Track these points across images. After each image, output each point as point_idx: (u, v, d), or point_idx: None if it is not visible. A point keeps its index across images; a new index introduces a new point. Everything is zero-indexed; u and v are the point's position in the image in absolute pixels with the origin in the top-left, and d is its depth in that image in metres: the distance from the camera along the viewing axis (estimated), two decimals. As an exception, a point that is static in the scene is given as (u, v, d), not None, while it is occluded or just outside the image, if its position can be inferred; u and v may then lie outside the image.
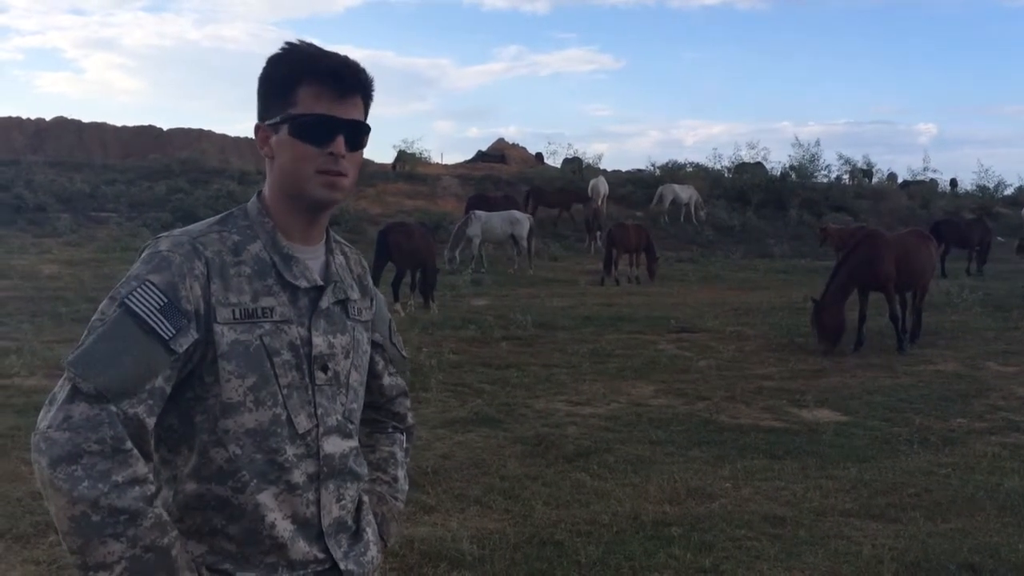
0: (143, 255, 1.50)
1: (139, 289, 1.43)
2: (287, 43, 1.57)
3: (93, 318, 1.45)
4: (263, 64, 1.57)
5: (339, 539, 1.60)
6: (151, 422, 1.41)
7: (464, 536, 4.44)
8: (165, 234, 1.55)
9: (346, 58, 1.56)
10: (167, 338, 1.41)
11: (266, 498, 1.50)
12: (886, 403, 7.80)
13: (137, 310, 1.41)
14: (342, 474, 1.61)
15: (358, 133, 1.57)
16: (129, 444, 1.36)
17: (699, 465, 5.91)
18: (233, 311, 1.48)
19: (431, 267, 13.38)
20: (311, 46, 1.56)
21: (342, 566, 1.58)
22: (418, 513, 4.84)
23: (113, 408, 1.36)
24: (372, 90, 1.61)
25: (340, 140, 1.53)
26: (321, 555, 1.56)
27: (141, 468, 1.37)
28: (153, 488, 1.39)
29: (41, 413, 1.39)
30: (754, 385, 8.49)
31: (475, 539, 4.43)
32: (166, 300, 1.43)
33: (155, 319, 1.41)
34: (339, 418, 1.60)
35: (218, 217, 1.60)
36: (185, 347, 1.43)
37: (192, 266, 1.47)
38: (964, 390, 8.37)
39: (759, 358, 9.97)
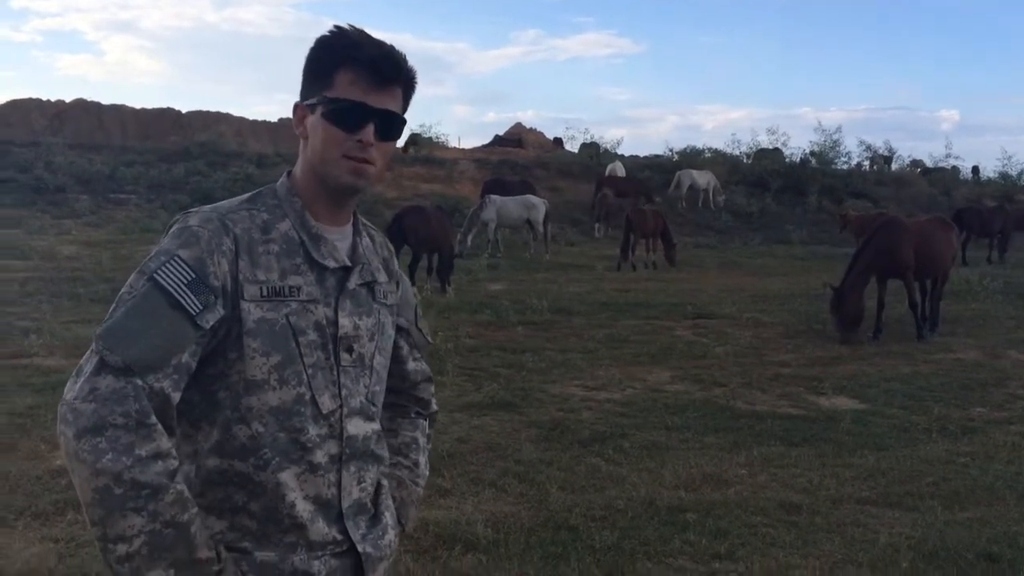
0: (172, 230, 1.51)
1: (168, 264, 1.44)
2: (336, 26, 1.56)
3: (122, 290, 1.45)
4: (314, 43, 1.57)
5: (358, 521, 1.60)
6: (176, 397, 1.42)
7: (479, 519, 4.45)
8: (195, 209, 1.55)
9: (391, 48, 1.56)
10: (194, 314, 1.42)
11: (287, 477, 1.50)
12: (905, 391, 7.75)
13: (165, 285, 1.42)
14: (364, 456, 1.60)
15: (390, 123, 1.56)
16: (153, 419, 1.37)
17: (715, 451, 5.89)
18: (260, 289, 1.49)
19: (447, 251, 13.36)
20: (359, 32, 1.56)
21: (360, 548, 1.58)
22: (433, 496, 4.85)
23: (139, 382, 1.37)
24: (414, 82, 1.61)
25: (370, 128, 1.52)
26: (339, 536, 1.56)
27: (164, 443, 1.38)
28: (175, 463, 1.39)
29: (68, 384, 1.40)
30: (771, 372, 8.45)
31: (490, 522, 4.44)
32: (194, 275, 1.43)
33: (182, 294, 1.42)
34: (363, 400, 1.60)
35: (247, 195, 1.61)
36: (212, 323, 1.44)
37: (220, 242, 1.47)
38: (984, 379, 8.30)
39: (776, 345, 9.92)
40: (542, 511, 4.68)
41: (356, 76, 1.52)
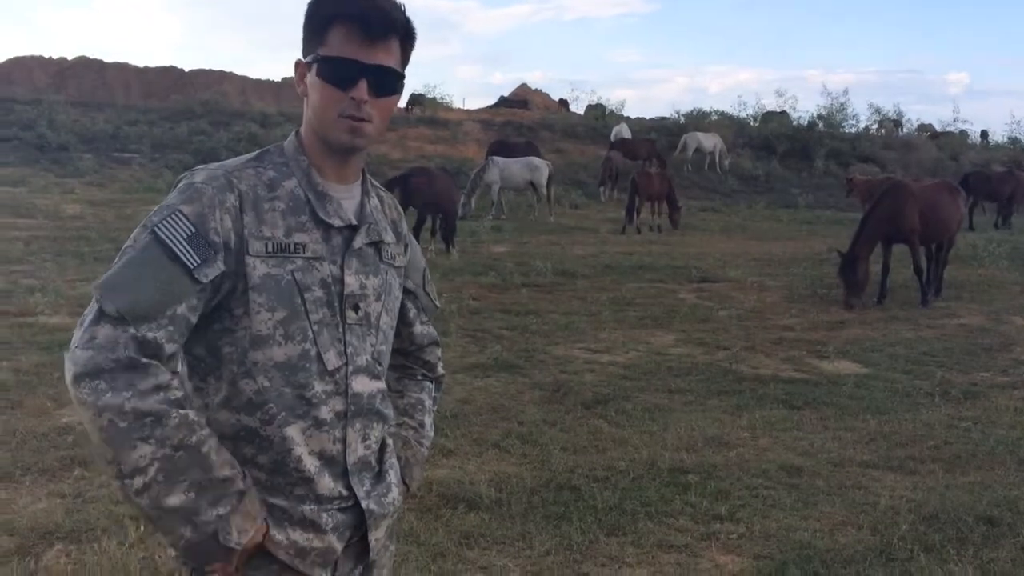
0: (179, 186, 1.51)
1: (169, 218, 1.44)
2: None
3: (126, 243, 1.47)
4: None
5: (362, 478, 1.61)
6: (170, 348, 1.42)
7: (482, 479, 4.48)
8: (202, 167, 1.55)
9: (383, 1, 1.51)
10: (191, 267, 1.42)
11: (293, 432, 1.51)
12: (908, 356, 7.75)
13: (164, 238, 1.43)
14: (369, 414, 1.61)
15: (384, 79, 1.53)
16: (145, 360, 1.37)
17: (717, 414, 5.91)
18: (266, 244, 1.49)
19: (452, 213, 13.32)
20: None
21: (363, 504, 1.60)
22: (437, 456, 4.87)
23: (132, 330, 1.38)
24: (412, 34, 1.57)
25: (363, 85, 1.50)
26: (345, 492, 1.58)
27: (163, 376, 1.39)
28: (179, 394, 1.40)
29: (74, 333, 1.43)
30: (774, 336, 8.45)
31: (492, 482, 4.47)
32: (194, 230, 1.44)
33: (181, 248, 1.42)
34: (368, 359, 1.61)
35: (254, 153, 1.60)
36: (210, 277, 1.44)
37: (224, 198, 1.47)
38: (988, 344, 8.30)
39: (780, 309, 9.91)
40: (544, 471, 4.71)
41: (348, 31, 1.49)
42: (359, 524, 1.60)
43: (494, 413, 5.73)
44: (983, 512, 4.24)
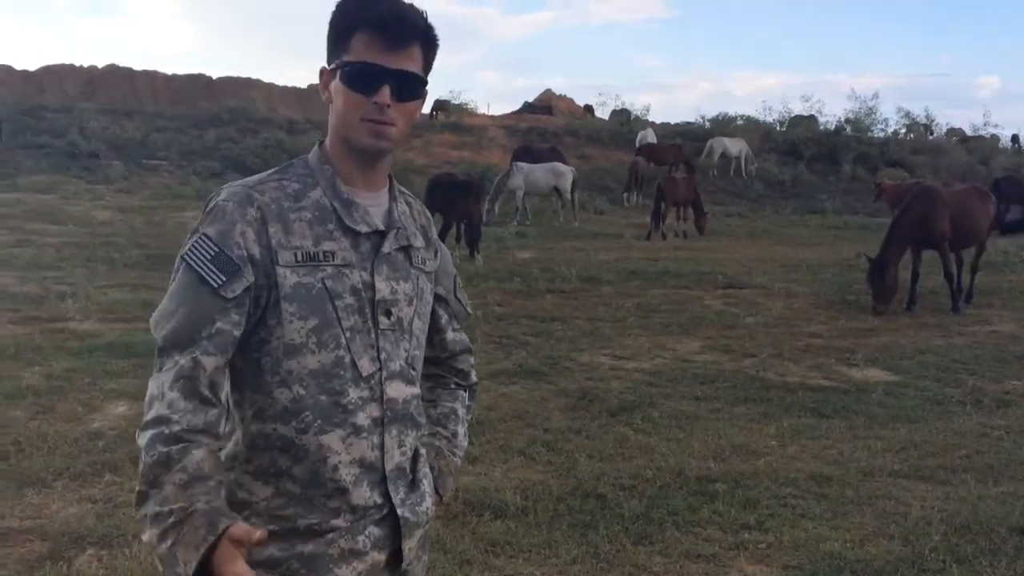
0: (207, 208, 1.55)
1: (196, 243, 1.49)
2: None
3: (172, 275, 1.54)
4: (336, 6, 1.56)
5: (397, 485, 1.61)
6: (211, 362, 1.44)
7: (508, 487, 4.47)
8: (227, 185, 1.58)
9: (405, 6, 1.53)
10: (216, 286, 1.46)
11: (330, 440, 1.52)
12: (938, 363, 7.65)
13: (192, 263, 1.48)
14: (404, 420, 1.62)
15: (407, 83, 1.54)
16: (167, 389, 1.41)
17: (744, 422, 5.87)
18: (295, 254, 1.51)
19: (477, 218, 13.36)
20: None
21: (399, 512, 1.59)
22: (462, 463, 4.87)
23: (176, 356, 1.44)
24: (434, 39, 1.58)
25: (385, 90, 1.51)
26: (380, 500, 1.58)
27: (189, 419, 1.41)
28: (173, 428, 1.39)
29: None
30: (802, 343, 8.38)
31: (518, 490, 4.46)
32: (217, 249, 1.47)
33: (206, 269, 1.46)
34: (402, 364, 1.61)
35: (279, 167, 1.63)
36: (237, 292, 1.46)
37: (244, 212, 1.50)
38: (1020, 351, 8.17)
39: (808, 315, 9.83)
40: (570, 479, 4.70)
41: (371, 37, 1.51)
42: (393, 535, 1.60)
43: (519, 420, 5.72)
44: (1016, 523, 4.18)
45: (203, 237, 1.49)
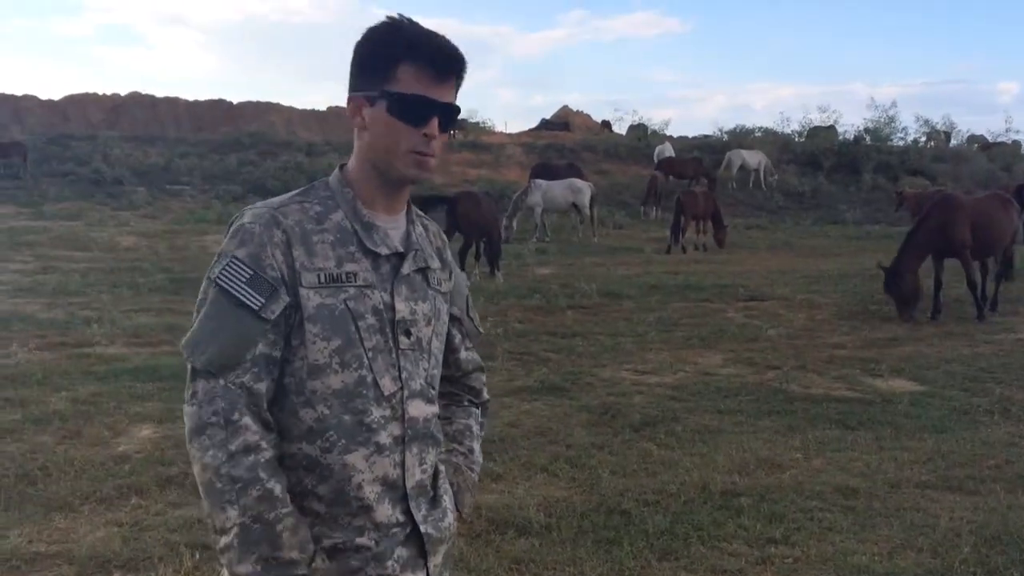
0: (230, 230, 1.57)
1: (228, 266, 1.51)
2: (389, 18, 1.58)
3: (199, 297, 1.55)
4: (362, 34, 1.58)
5: (419, 502, 1.63)
6: (261, 387, 1.50)
7: (531, 504, 4.46)
8: (249, 207, 1.61)
9: (447, 41, 1.58)
10: (256, 308, 1.49)
11: (355, 459, 1.54)
12: (965, 372, 7.57)
13: (226, 287, 1.50)
14: (424, 438, 1.64)
15: (451, 115, 1.61)
16: (237, 415, 1.46)
17: (769, 435, 5.82)
18: (318, 276, 1.54)
19: (496, 236, 13.40)
20: (414, 24, 1.57)
21: (422, 528, 1.62)
22: (485, 480, 4.87)
23: (222, 381, 1.47)
24: (465, 72, 1.63)
25: (435, 122, 1.56)
26: (402, 518, 1.60)
27: (251, 436, 1.46)
28: (267, 455, 1.47)
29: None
30: (826, 354, 8.31)
31: (542, 507, 4.45)
32: (251, 272, 1.50)
33: (243, 292, 1.49)
34: (422, 383, 1.64)
35: (300, 189, 1.66)
36: (277, 313, 1.50)
37: (272, 234, 1.53)
38: (1048, 359, 8.06)
39: (831, 326, 9.75)
40: (594, 495, 4.68)
41: (419, 70, 1.54)
42: (419, 553, 1.62)
43: (542, 437, 5.71)
44: (1048, 534, 4.11)
45: (234, 260, 1.51)
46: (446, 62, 1.56)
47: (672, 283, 12.66)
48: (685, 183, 23.40)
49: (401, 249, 1.63)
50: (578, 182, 19.13)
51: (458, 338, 1.84)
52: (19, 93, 41.32)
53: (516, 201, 18.40)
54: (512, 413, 6.20)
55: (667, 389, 7.04)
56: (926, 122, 34.48)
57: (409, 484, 1.60)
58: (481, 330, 1.94)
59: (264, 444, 1.47)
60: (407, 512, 1.60)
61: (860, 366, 7.83)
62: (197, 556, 3.77)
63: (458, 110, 1.62)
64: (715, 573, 3.83)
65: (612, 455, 5.37)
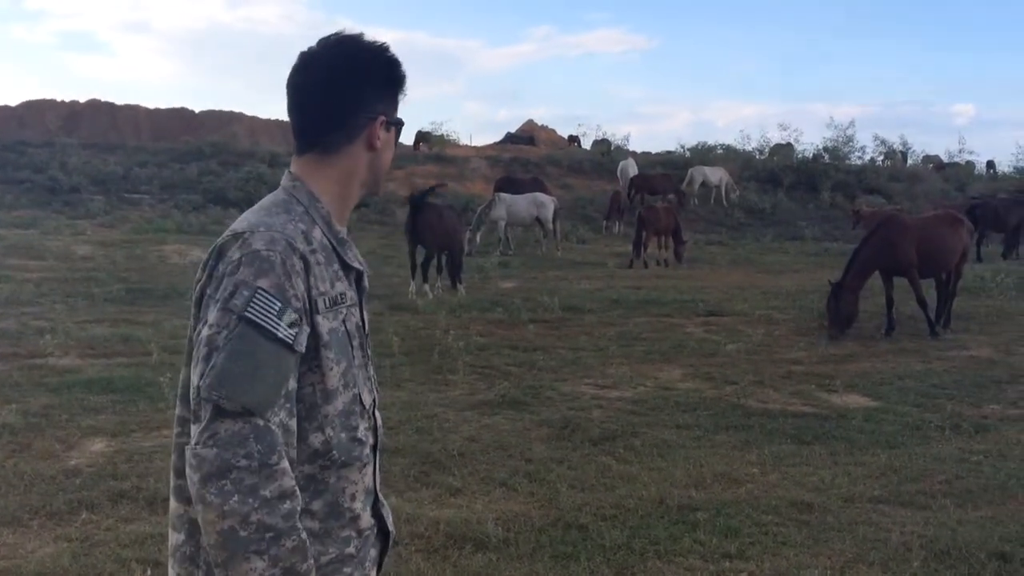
0: (241, 257, 1.47)
1: (254, 299, 1.43)
2: (385, 45, 1.64)
3: (211, 332, 1.43)
4: (378, 57, 1.63)
5: (383, 504, 1.70)
6: (293, 423, 1.46)
7: (489, 518, 4.46)
8: (246, 229, 1.51)
9: None
10: (291, 342, 1.44)
11: (350, 472, 1.57)
12: (918, 388, 7.71)
13: (259, 321, 1.42)
14: (381, 442, 1.71)
15: None
16: (275, 458, 1.39)
17: (726, 450, 5.88)
18: (324, 300, 1.53)
19: (458, 249, 13.39)
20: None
21: (390, 528, 1.69)
22: (444, 495, 4.86)
23: (260, 421, 1.39)
24: None
25: None
26: (372, 521, 1.65)
27: (288, 482, 1.40)
28: (300, 503, 1.43)
29: (192, 431, 1.42)
30: (783, 369, 8.42)
31: (500, 521, 4.45)
32: (280, 304, 1.44)
33: (276, 326, 1.43)
34: (377, 389, 1.72)
35: (277, 203, 1.59)
36: (304, 344, 1.47)
37: (292, 263, 1.49)
38: (998, 376, 8.25)
39: (788, 342, 9.88)
40: (552, 510, 4.69)
41: (399, 95, 1.68)
42: (381, 551, 1.69)
43: (501, 451, 5.71)
44: (996, 548, 4.20)
45: (261, 291, 1.43)
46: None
47: (634, 298, 12.74)
48: (656, 199, 23.59)
49: (362, 262, 1.68)
50: (542, 196, 19.20)
51: None
52: (-26, 98, 40.55)
53: (480, 214, 18.42)
54: (472, 427, 6.19)
55: (627, 403, 7.08)
56: (883, 142, 35.12)
57: (379, 488, 1.67)
58: None
59: (297, 492, 1.42)
60: (378, 515, 1.66)
61: (816, 382, 7.94)
62: (149, 572, 3.71)
63: None
64: (671, 588, 3.85)
65: (571, 469, 5.39)
